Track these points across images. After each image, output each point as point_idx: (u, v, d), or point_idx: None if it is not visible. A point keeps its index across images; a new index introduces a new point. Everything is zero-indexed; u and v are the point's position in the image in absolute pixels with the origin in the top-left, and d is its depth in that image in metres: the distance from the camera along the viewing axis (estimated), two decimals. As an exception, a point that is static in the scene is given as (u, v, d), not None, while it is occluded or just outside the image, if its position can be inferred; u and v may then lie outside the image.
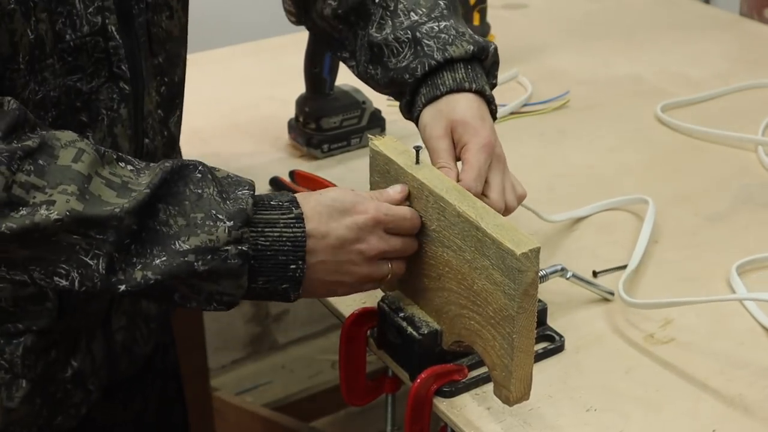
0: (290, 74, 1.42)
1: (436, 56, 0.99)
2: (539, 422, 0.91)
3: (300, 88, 1.37)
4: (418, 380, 0.91)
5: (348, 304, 1.05)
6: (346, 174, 1.30)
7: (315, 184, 1.25)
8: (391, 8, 1.03)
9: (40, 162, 0.79)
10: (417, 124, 1.02)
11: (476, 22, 1.63)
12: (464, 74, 1.00)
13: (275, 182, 1.27)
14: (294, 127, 1.38)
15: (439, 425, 0.95)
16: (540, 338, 0.98)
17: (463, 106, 0.98)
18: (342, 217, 0.87)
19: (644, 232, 1.14)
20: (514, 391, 0.85)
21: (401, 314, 0.94)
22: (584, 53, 1.71)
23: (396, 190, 0.92)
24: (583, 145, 1.41)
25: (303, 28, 1.32)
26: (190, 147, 1.39)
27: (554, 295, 1.03)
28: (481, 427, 0.90)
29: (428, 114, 1.00)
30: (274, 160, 1.36)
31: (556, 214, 1.18)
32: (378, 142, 0.95)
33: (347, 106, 1.36)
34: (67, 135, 0.82)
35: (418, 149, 0.91)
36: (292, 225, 0.85)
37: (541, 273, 0.98)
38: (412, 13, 1.02)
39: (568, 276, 1.03)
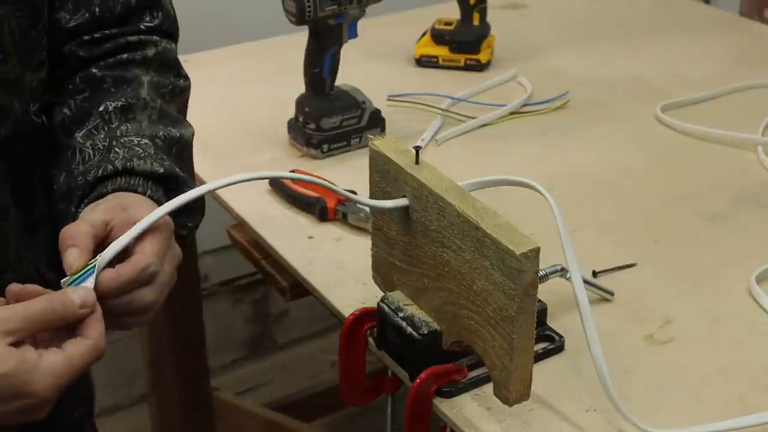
0: (290, 74, 1.42)
1: (116, 163, 0.88)
2: (539, 422, 0.91)
3: (300, 88, 1.37)
4: (418, 380, 0.91)
5: (348, 304, 1.05)
6: (346, 174, 1.30)
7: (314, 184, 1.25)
8: (112, 124, 0.92)
9: None
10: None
11: (476, 22, 1.63)
12: (140, 182, 0.88)
13: (275, 182, 1.27)
14: (294, 127, 1.38)
15: (439, 425, 0.95)
16: (540, 338, 0.98)
17: (134, 195, 0.86)
18: None
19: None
20: (513, 392, 0.85)
21: (401, 314, 0.94)
22: (584, 53, 1.71)
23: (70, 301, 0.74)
24: (583, 145, 1.41)
25: (303, 28, 1.33)
26: (190, 147, 1.40)
27: (554, 295, 1.03)
28: (481, 427, 0.90)
29: (90, 205, 0.86)
30: (274, 160, 1.36)
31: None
32: (378, 142, 0.95)
33: (347, 106, 1.36)
34: None
35: (417, 149, 0.91)
36: None
37: (541, 273, 0.98)
38: (135, 137, 0.91)
39: (568, 276, 1.03)
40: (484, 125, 1.46)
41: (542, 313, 1.00)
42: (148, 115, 0.93)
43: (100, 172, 0.88)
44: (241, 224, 1.25)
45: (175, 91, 0.99)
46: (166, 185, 0.90)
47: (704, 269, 1.13)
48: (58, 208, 0.92)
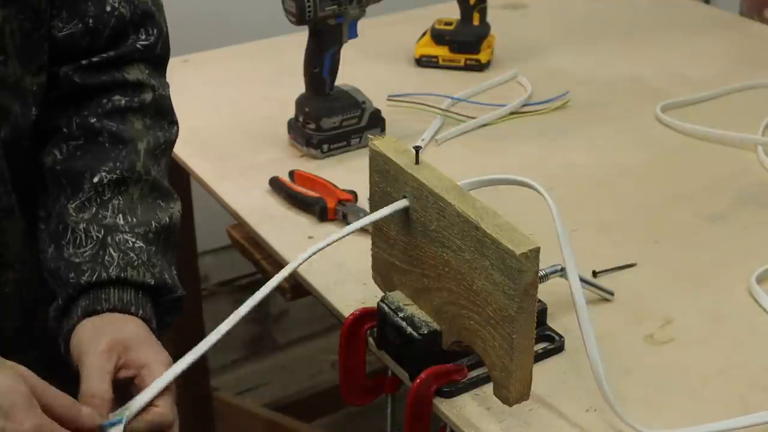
0: (290, 74, 1.42)
1: (111, 271, 0.89)
2: (539, 422, 0.91)
3: (300, 88, 1.37)
4: (418, 380, 0.91)
5: (348, 304, 1.05)
6: (346, 174, 1.30)
7: (314, 184, 1.25)
8: (105, 197, 0.93)
9: None
10: (67, 336, 0.89)
11: (476, 22, 1.63)
12: (132, 298, 0.90)
13: (275, 182, 1.27)
14: (294, 127, 1.38)
15: (439, 425, 0.95)
16: (540, 338, 0.98)
17: (131, 326, 0.88)
18: None
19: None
20: (513, 392, 0.85)
21: (401, 314, 0.94)
22: (584, 53, 1.71)
23: (88, 414, 0.79)
24: (583, 145, 1.41)
25: (303, 28, 1.33)
26: (190, 147, 1.40)
27: (554, 295, 1.03)
28: (481, 427, 0.90)
29: (88, 327, 0.87)
30: (274, 160, 1.36)
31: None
32: (378, 142, 0.95)
33: (347, 106, 1.36)
34: None
35: (417, 149, 0.91)
36: None
37: (540, 273, 0.98)
38: (120, 216, 0.92)
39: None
40: (484, 125, 1.46)
41: (542, 313, 1.00)
42: (140, 188, 0.95)
43: (93, 278, 0.89)
44: (241, 224, 1.25)
45: (168, 145, 1.01)
46: (155, 292, 0.92)
47: (704, 269, 1.13)
48: (44, 278, 0.93)
